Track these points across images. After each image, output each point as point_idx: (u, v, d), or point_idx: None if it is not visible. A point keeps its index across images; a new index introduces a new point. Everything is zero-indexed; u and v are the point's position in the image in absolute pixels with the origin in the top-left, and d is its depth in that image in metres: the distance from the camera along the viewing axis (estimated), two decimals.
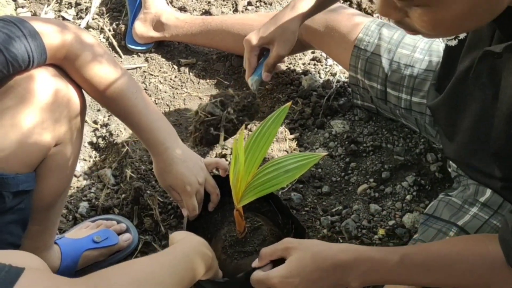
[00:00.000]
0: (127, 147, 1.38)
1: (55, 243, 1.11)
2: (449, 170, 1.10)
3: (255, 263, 0.88)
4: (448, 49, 0.94)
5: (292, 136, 1.41)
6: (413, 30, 0.64)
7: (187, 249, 0.77)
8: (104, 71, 0.92)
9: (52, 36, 0.84)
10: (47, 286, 0.57)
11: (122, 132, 1.43)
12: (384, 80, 1.28)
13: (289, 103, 0.83)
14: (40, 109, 0.84)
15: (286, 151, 1.36)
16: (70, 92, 0.90)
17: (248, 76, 1.21)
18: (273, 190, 0.84)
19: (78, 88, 0.93)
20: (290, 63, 1.61)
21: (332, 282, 0.79)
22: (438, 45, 1.24)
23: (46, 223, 0.97)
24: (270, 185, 0.84)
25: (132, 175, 1.32)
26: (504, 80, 0.74)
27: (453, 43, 0.88)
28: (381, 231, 1.20)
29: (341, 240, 1.19)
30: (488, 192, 0.95)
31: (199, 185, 1.02)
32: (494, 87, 0.76)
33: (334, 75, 1.55)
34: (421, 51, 1.24)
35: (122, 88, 0.95)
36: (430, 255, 0.80)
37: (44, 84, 0.85)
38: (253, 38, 1.18)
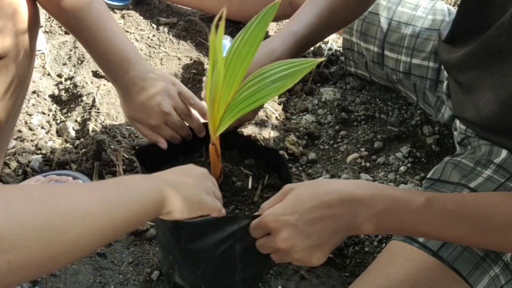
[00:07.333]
0: (94, 97, 1.22)
1: None
2: (455, 133, 0.98)
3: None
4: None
5: (278, 100, 1.29)
6: None
7: (144, 185, 0.58)
8: None
9: None
10: None
11: (88, 84, 1.27)
12: (382, 41, 1.17)
13: (279, 0, 0.69)
14: None
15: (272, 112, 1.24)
16: (18, 2, 0.76)
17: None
18: (257, 105, 0.68)
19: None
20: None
21: (338, 223, 0.62)
22: (442, 5, 1.14)
23: None
24: (253, 99, 0.68)
25: (96, 128, 1.17)
26: None
27: None
28: None
29: None
30: (504, 153, 0.82)
31: (165, 115, 0.86)
32: None
33: (326, 43, 1.44)
34: (423, 9, 1.13)
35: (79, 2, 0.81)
36: (463, 202, 0.65)
37: None
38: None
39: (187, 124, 0.90)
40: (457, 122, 0.96)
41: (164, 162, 0.92)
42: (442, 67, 1.05)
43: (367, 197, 0.63)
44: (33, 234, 0.42)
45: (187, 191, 0.63)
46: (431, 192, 0.82)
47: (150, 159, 0.89)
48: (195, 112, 0.91)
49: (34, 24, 0.81)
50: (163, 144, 0.87)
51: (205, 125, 0.90)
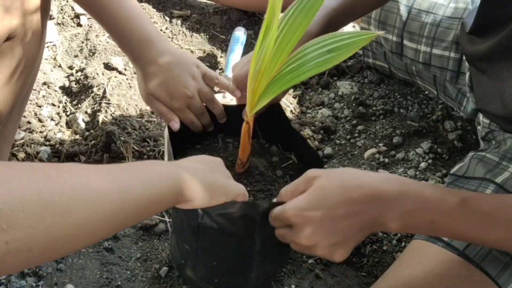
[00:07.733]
0: (104, 88, 1.19)
1: None
2: (479, 127, 0.93)
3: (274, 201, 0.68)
4: None
5: (293, 94, 1.24)
6: None
7: (160, 169, 0.53)
8: None
9: None
10: None
11: (99, 75, 1.25)
12: (401, 30, 1.12)
13: None
14: None
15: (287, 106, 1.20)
16: None
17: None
18: (309, 75, 0.61)
19: None
20: None
21: (364, 220, 0.58)
22: None
23: None
24: (304, 70, 0.60)
25: (106, 119, 1.14)
26: None
27: None
28: None
29: None
30: None
31: (189, 99, 0.83)
32: None
33: None
34: None
35: None
36: (501, 204, 0.60)
37: None
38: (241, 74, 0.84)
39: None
40: (481, 116, 0.91)
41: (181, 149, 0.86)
42: (464, 57, 1.00)
43: (396, 195, 0.58)
44: (36, 212, 0.37)
45: (208, 176, 0.58)
46: (462, 190, 0.76)
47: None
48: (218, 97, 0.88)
49: (44, 5, 0.78)
50: (176, 124, 0.83)
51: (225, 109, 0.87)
